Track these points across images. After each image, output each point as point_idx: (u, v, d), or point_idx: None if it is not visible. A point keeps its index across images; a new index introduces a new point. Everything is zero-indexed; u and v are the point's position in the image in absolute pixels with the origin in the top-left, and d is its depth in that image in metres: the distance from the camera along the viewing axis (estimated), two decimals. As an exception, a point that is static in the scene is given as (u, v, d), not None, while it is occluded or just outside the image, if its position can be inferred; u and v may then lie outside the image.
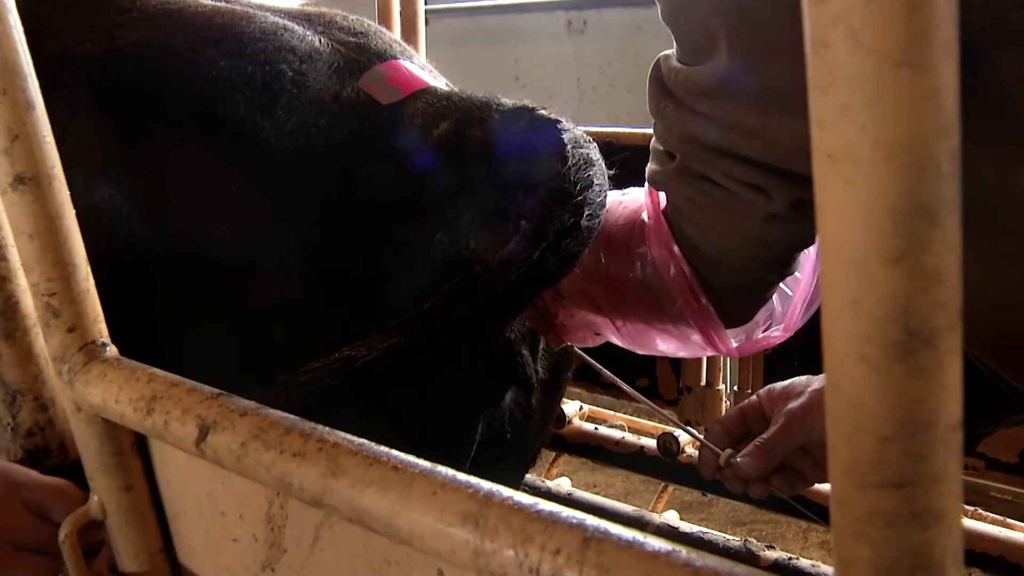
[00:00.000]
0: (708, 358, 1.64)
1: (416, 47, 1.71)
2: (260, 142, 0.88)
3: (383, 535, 0.53)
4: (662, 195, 0.91)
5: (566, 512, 0.47)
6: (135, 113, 0.89)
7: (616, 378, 1.13)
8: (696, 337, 0.94)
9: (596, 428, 1.79)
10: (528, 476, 1.73)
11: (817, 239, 0.31)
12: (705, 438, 1.06)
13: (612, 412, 1.89)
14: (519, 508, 0.48)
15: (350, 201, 0.89)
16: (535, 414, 1.12)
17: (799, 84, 0.70)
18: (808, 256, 0.94)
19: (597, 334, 1.01)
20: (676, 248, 0.89)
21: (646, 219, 0.93)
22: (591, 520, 0.46)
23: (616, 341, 1.01)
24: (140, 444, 0.77)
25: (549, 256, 0.84)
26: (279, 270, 0.89)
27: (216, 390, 0.65)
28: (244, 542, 0.71)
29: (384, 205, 0.90)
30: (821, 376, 1.01)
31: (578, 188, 0.85)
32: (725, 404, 1.65)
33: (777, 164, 0.75)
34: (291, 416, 0.60)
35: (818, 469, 1.04)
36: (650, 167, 0.88)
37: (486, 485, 0.50)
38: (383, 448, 0.55)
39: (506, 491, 0.49)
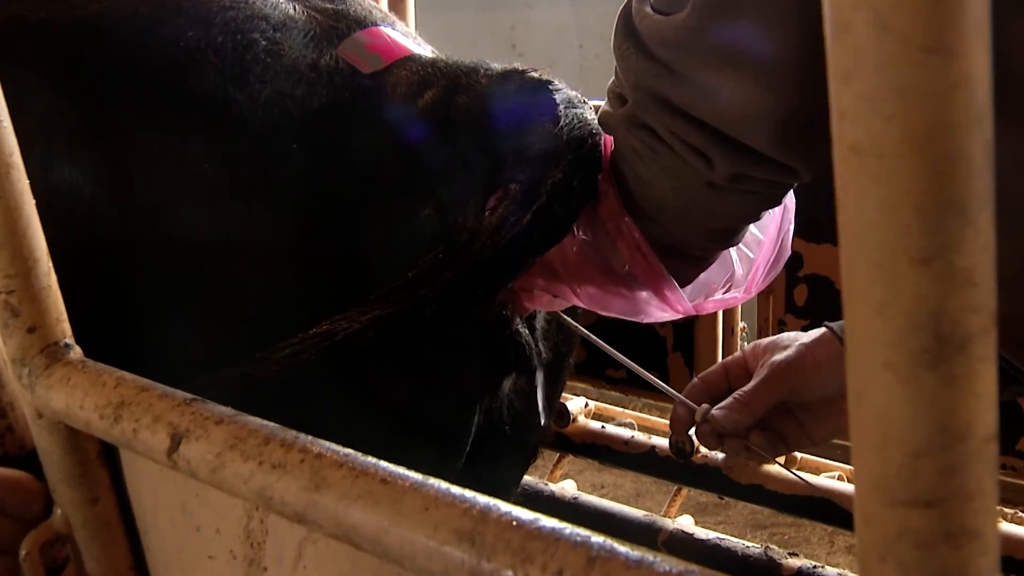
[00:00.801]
0: (723, 351, 1.65)
1: (404, 14, 1.71)
2: (232, 115, 0.88)
3: (371, 554, 0.53)
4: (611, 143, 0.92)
5: (569, 529, 0.47)
6: (97, 86, 0.90)
7: (629, 361, 1.13)
8: (649, 297, 0.95)
9: (603, 427, 1.79)
10: (530, 478, 1.74)
11: (840, 239, 0.31)
12: (684, 395, 1.07)
13: (620, 409, 1.90)
14: (518, 525, 0.48)
15: (330, 176, 0.90)
16: (536, 403, 1.13)
17: (759, 48, 0.71)
18: (772, 216, 0.95)
19: (555, 296, 1.01)
20: (621, 205, 0.91)
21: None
22: (596, 538, 0.46)
23: (578, 304, 1.02)
24: (107, 453, 0.77)
25: (541, 219, 0.85)
26: (255, 251, 0.89)
27: (189, 395, 0.65)
28: (221, 559, 0.71)
29: (367, 179, 0.90)
30: (813, 331, 1.02)
31: (571, 148, 0.86)
32: (741, 399, 1.66)
33: (725, 130, 0.77)
34: (271, 424, 0.60)
35: (801, 433, 1.05)
36: (602, 108, 0.89)
37: (482, 499, 0.50)
38: (371, 459, 0.55)
39: (504, 506, 0.50)
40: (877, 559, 0.33)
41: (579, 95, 0.91)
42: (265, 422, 0.61)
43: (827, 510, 1.42)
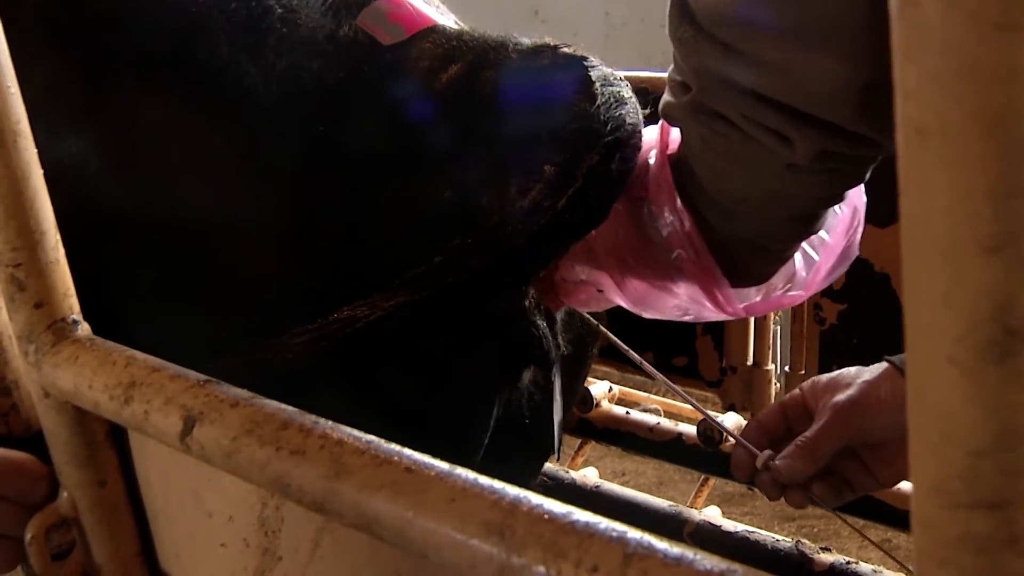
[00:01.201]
0: (756, 335, 1.64)
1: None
2: (245, 88, 0.88)
3: (394, 545, 0.53)
4: (675, 133, 0.91)
5: (604, 523, 0.47)
6: (103, 56, 0.89)
7: (642, 360, 1.13)
8: (697, 295, 0.94)
9: (628, 412, 1.79)
10: (550, 465, 1.74)
11: (902, 225, 0.31)
12: (741, 436, 1.06)
13: (645, 394, 1.90)
14: (550, 518, 0.48)
15: (346, 154, 0.89)
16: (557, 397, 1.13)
17: (830, 18, 0.70)
18: (839, 216, 0.94)
19: (600, 291, 1.00)
20: (678, 196, 0.90)
21: (651, 161, 0.93)
22: (633, 533, 0.46)
23: (621, 302, 1.00)
24: (116, 434, 0.77)
25: (577, 204, 0.84)
26: (266, 231, 0.89)
27: (203, 376, 0.65)
28: (234, 547, 0.71)
29: (385, 159, 0.90)
30: (873, 367, 1.01)
31: (608, 128, 0.85)
32: (775, 386, 1.65)
33: (802, 108, 0.75)
34: (289, 408, 0.60)
35: (867, 475, 1.03)
36: (664, 98, 0.88)
37: (512, 491, 0.50)
38: (394, 447, 0.55)
39: (535, 498, 0.49)
40: (936, 564, 0.33)
41: (614, 73, 0.90)
42: (283, 406, 0.61)
43: (859, 504, 1.42)
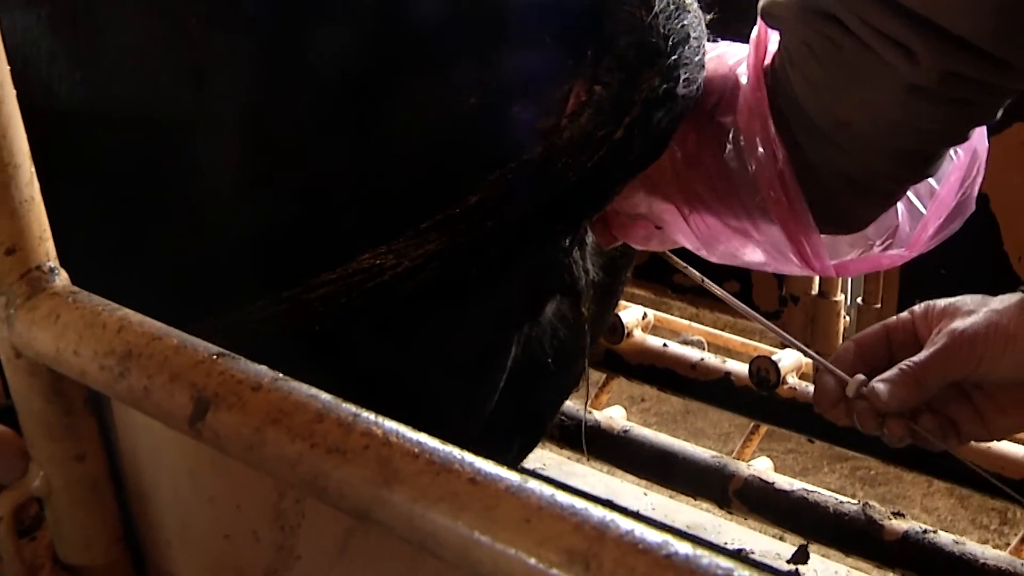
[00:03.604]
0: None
1: None
2: None
3: (454, 566, 0.55)
4: (773, 41, 0.90)
5: (708, 558, 0.48)
6: None
7: (701, 276, 1.12)
8: (780, 243, 0.93)
9: (665, 345, 1.80)
10: (569, 403, 1.75)
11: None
12: (831, 362, 1.04)
13: (686, 322, 1.91)
14: (644, 549, 0.49)
15: (352, 50, 0.89)
16: (583, 330, 1.13)
17: None
18: (955, 162, 0.94)
19: (660, 228, 1.01)
20: (772, 124, 0.89)
21: (742, 80, 0.92)
22: (742, 572, 0.48)
23: (685, 242, 1.01)
24: (95, 401, 0.79)
25: (636, 135, 0.84)
26: (252, 127, 0.90)
27: (216, 348, 0.66)
28: (240, 539, 0.73)
29: (395, 57, 0.89)
30: (1003, 296, 0.99)
31: (670, 44, 0.85)
32: (844, 321, 1.66)
33: (933, 16, 0.75)
34: (321, 394, 0.62)
35: (978, 423, 1.02)
36: None
37: (596, 512, 0.52)
38: (453, 450, 0.56)
39: (624, 522, 0.51)
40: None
41: None
42: (313, 390, 0.62)
43: (928, 461, 1.44)
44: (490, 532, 0.53)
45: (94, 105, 0.89)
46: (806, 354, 1.09)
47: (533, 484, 0.54)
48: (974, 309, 0.99)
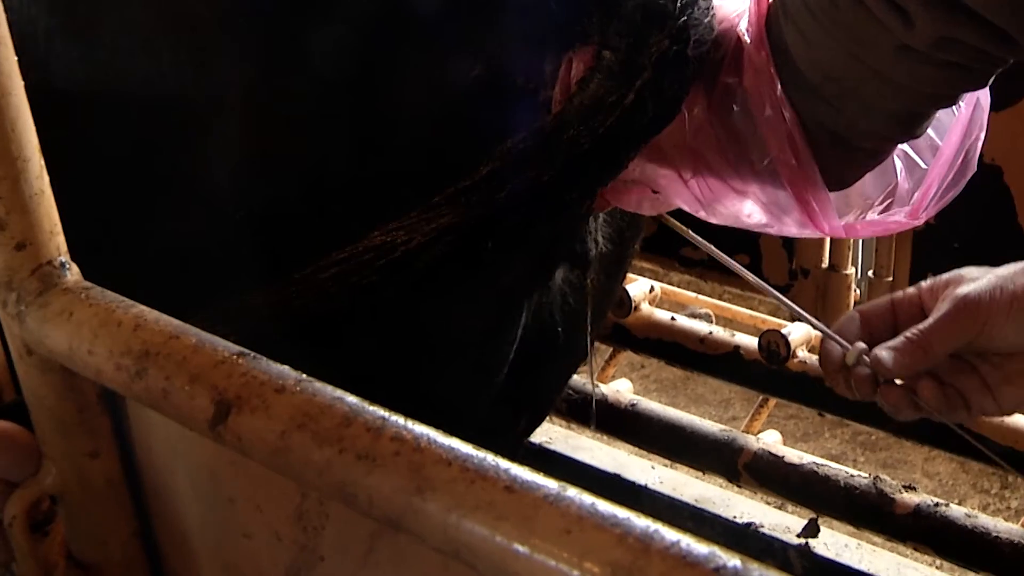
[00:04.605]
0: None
1: None
2: None
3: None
4: None
5: (758, 571, 0.47)
6: None
7: (716, 250, 1.11)
8: (787, 204, 0.93)
9: (673, 318, 1.79)
10: (577, 377, 1.75)
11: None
12: (834, 330, 1.04)
13: (694, 294, 1.90)
14: (691, 562, 0.48)
15: (352, 17, 0.88)
16: (592, 300, 1.13)
17: None
18: (956, 117, 0.93)
19: (656, 192, 0.99)
20: (779, 84, 0.88)
21: (745, 37, 0.91)
22: (796, 587, 0.46)
23: (684, 205, 0.99)
24: (109, 397, 0.77)
25: (648, 100, 0.84)
26: (252, 106, 0.89)
27: (237, 348, 0.65)
28: (261, 539, 0.72)
29: (402, 22, 0.88)
30: (1010, 265, 0.99)
31: (679, 5, 0.84)
32: (854, 294, 1.66)
33: None
34: (347, 396, 0.60)
35: (986, 394, 1.01)
36: None
37: (639, 523, 0.50)
38: (488, 457, 0.55)
39: (669, 534, 0.50)
40: None
41: None
42: (338, 392, 0.61)
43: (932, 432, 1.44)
44: (529, 543, 0.51)
45: (92, 84, 0.88)
46: (809, 322, 1.08)
47: (572, 492, 0.53)
48: (979, 276, 0.99)
